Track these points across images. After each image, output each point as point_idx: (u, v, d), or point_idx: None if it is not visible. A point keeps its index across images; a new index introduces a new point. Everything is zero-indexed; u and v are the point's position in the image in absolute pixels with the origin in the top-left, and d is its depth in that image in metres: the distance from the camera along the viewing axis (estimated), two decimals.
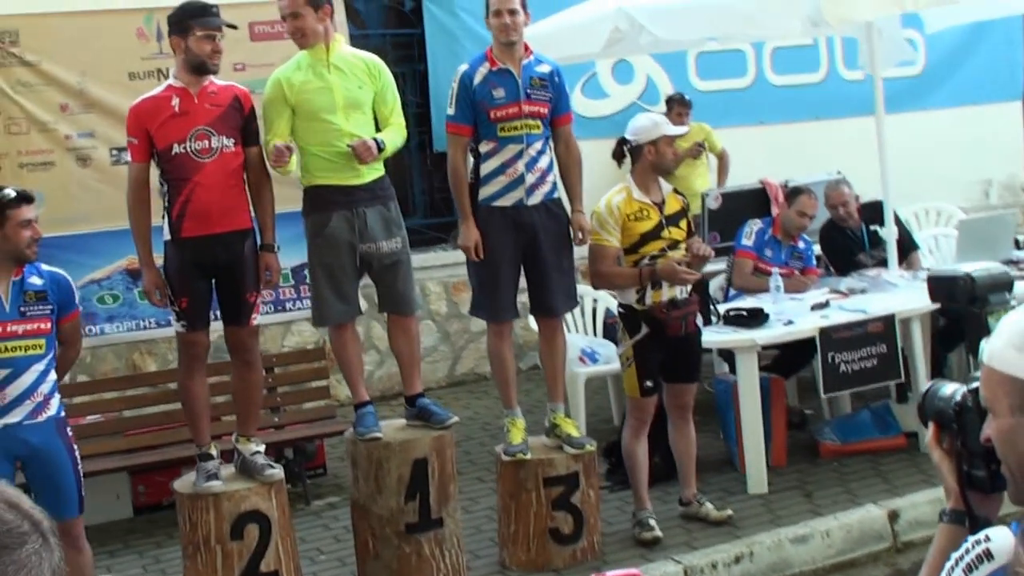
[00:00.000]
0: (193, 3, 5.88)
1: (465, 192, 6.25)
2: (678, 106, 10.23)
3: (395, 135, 6.22)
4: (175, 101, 5.79)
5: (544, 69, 6.32)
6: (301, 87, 6.06)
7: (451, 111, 6.28)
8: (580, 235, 6.33)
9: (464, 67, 6.32)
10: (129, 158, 5.93)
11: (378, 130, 6.17)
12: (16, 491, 1.61)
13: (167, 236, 5.88)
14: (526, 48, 6.31)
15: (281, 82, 6.11)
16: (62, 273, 5.68)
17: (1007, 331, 2.02)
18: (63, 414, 5.62)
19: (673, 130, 6.46)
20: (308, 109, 6.06)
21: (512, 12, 6.15)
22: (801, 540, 6.48)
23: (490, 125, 6.19)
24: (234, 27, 6.05)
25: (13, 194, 5.46)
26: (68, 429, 5.64)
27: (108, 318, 8.81)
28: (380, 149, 6.03)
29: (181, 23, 5.80)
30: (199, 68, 5.82)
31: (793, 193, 8.29)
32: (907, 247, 8.64)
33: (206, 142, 5.77)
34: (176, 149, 5.74)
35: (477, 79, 6.20)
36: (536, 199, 6.22)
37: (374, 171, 6.15)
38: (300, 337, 9.60)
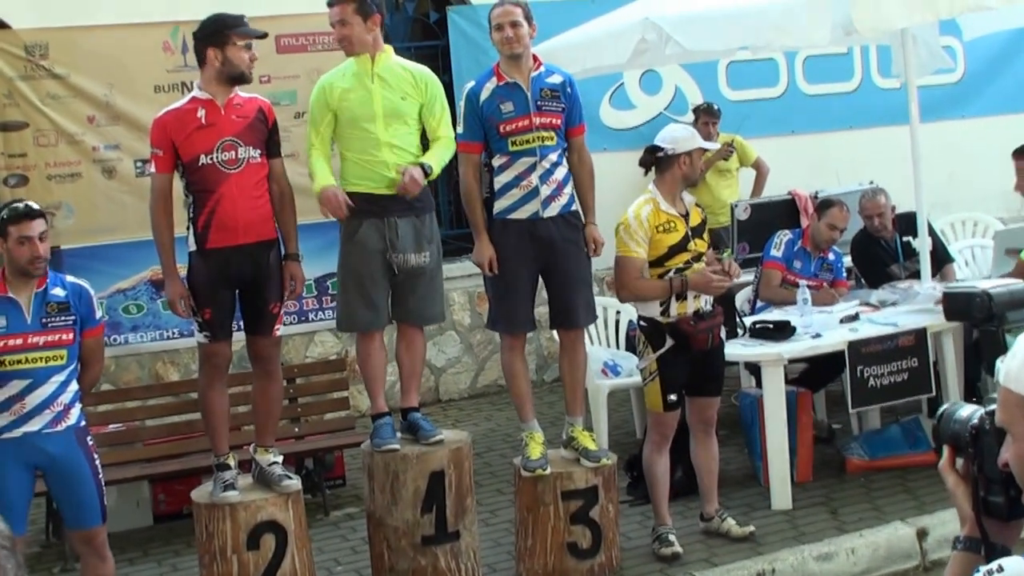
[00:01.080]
0: (227, 14, 5.95)
1: (477, 208, 6.30)
2: (705, 115, 10.23)
3: (443, 151, 6.30)
4: (201, 112, 5.85)
5: (555, 80, 6.34)
6: (343, 94, 6.17)
7: (459, 129, 6.33)
8: (594, 247, 6.36)
9: (471, 84, 6.38)
10: (153, 169, 5.99)
11: (424, 140, 6.26)
12: None
13: (192, 247, 5.94)
14: (536, 60, 6.34)
15: (325, 87, 6.25)
16: (84, 285, 5.75)
17: (1023, 350, 2.01)
18: (84, 423, 5.68)
19: (709, 144, 6.51)
20: (348, 116, 6.16)
21: (514, 25, 6.18)
22: (825, 558, 6.45)
23: (501, 139, 6.21)
24: (265, 35, 6.15)
25: (20, 208, 5.52)
26: (89, 438, 5.70)
27: (132, 328, 8.96)
28: (427, 173, 6.15)
29: (219, 33, 5.84)
30: (237, 78, 5.88)
31: (824, 205, 8.29)
32: (941, 259, 8.59)
33: (233, 153, 5.84)
34: (203, 160, 5.81)
35: (484, 95, 6.24)
36: (553, 211, 6.24)
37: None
38: (323, 348, 9.67)
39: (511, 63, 6.24)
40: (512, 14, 6.18)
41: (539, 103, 6.21)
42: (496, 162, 6.25)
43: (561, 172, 6.26)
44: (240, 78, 5.88)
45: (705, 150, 6.55)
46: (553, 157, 6.23)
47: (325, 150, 6.26)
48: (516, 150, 6.17)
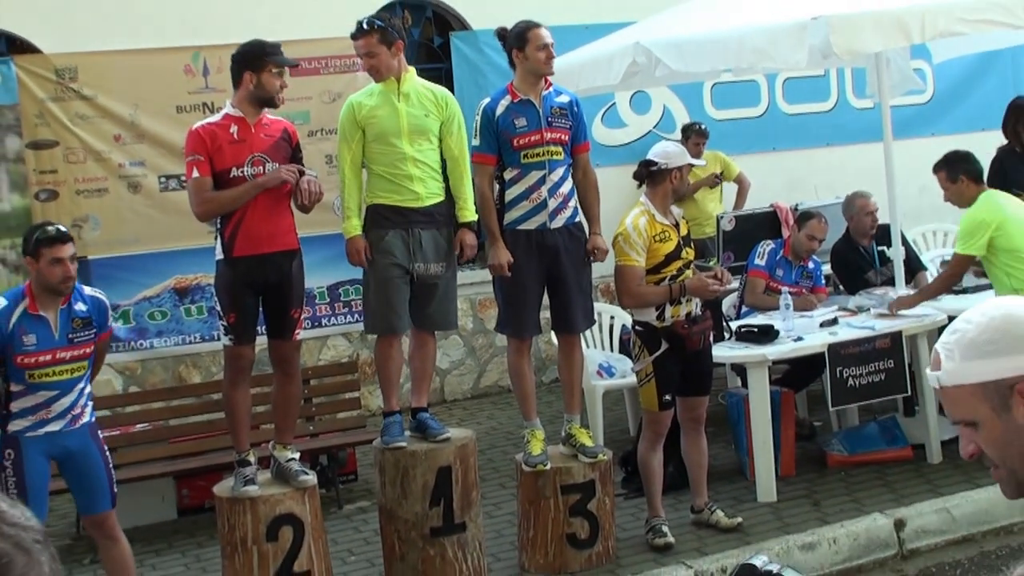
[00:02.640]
0: (265, 41, 5.98)
1: (493, 215, 6.30)
2: (696, 136, 10.23)
3: (468, 185, 6.35)
4: (233, 128, 5.87)
5: (563, 100, 6.38)
6: (370, 111, 6.21)
7: (476, 142, 6.33)
8: (597, 254, 6.36)
9: (486, 100, 6.39)
10: (196, 174, 5.90)
11: (442, 155, 6.31)
12: None
13: (219, 255, 5.94)
14: (546, 80, 6.37)
15: (353, 106, 6.29)
16: (101, 296, 5.76)
17: (956, 348, 2.05)
18: (94, 419, 5.76)
19: (697, 161, 6.52)
20: (376, 132, 6.19)
21: (552, 46, 6.27)
22: (809, 547, 6.45)
23: (514, 153, 6.23)
24: (297, 64, 6.16)
25: (51, 232, 5.52)
26: (99, 432, 5.80)
27: (157, 333, 8.95)
28: (475, 228, 6.32)
29: (257, 59, 5.85)
30: (267, 102, 5.90)
31: (803, 218, 8.29)
32: (914, 267, 8.60)
33: (261, 168, 5.85)
34: (234, 172, 5.82)
35: (499, 110, 6.26)
36: (558, 223, 6.25)
37: (433, 196, 6.26)
38: (335, 351, 9.65)
39: (527, 82, 6.28)
40: (551, 37, 6.26)
41: (549, 119, 6.25)
42: (507, 175, 6.26)
43: (567, 186, 6.28)
44: (270, 102, 5.92)
45: (692, 166, 6.55)
46: (560, 171, 6.26)
47: (356, 165, 6.29)
48: (528, 163, 6.20)
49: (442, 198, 6.31)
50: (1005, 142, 9.37)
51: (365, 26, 6.20)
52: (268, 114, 6.04)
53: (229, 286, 5.92)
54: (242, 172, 5.82)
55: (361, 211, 6.33)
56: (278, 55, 5.92)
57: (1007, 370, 2.00)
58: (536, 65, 6.28)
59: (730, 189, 10.66)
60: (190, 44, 8.68)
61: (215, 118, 5.99)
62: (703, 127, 10.36)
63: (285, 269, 5.96)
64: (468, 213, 6.32)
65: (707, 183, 10.14)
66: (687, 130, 10.33)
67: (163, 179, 8.77)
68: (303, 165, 6.14)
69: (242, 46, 5.98)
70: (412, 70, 6.38)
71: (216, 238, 5.95)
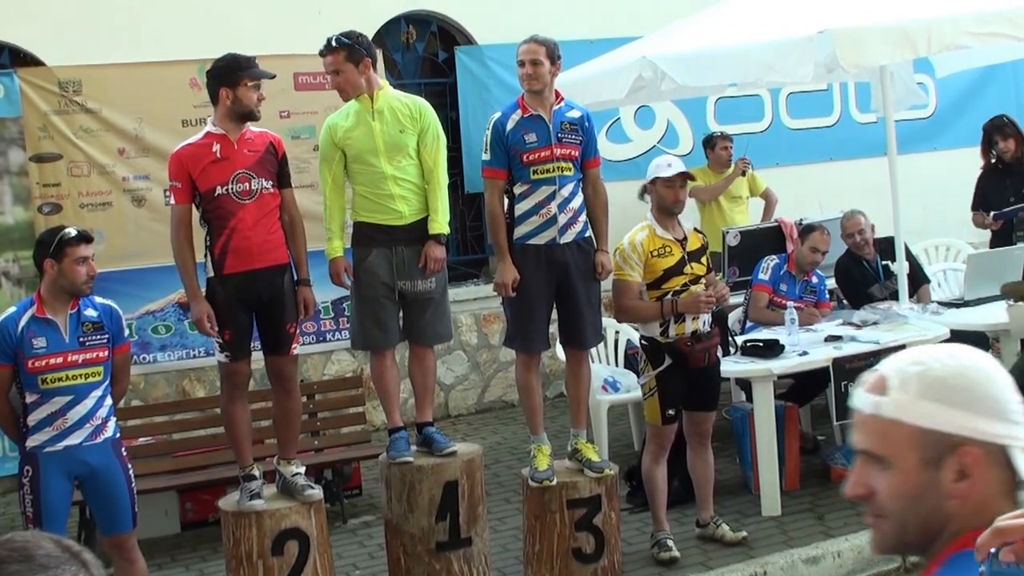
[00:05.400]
0: (238, 56, 5.98)
1: (502, 231, 6.30)
2: (720, 140, 10.19)
3: (444, 201, 6.31)
4: (216, 147, 5.87)
5: (574, 115, 6.36)
6: (346, 133, 6.20)
7: (486, 156, 6.33)
8: (600, 271, 6.36)
9: (497, 115, 6.38)
10: (173, 200, 6.01)
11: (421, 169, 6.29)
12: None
13: (210, 273, 5.96)
14: (558, 95, 6.37)
15: (330, 127, 6.30)
16: (113, 305, 5.78)
17: (915, 381, 1.87)
18: (118, 435, 5.73)
19: (664, 172, 6.39)
20: (353, 153, 6.20)
21: (534, 63, 6.21)
22: (813, 561, 6.47)
23: (523, 168, 6.23)
24: (273, 76, 6.15)
25: (74, 232, 5.56)
26: (123, 449, 5.75)
27: (161, 347, 8.96)
28: (443, 242, 6.27)
29: (231, 74, 5.87)
30: (246, 116, 5.90)
31: (805, 230, 8.33)
32: (918, 281, 8.63)
33: (246, 184, 5.86)
34: (219, 191, 5.83)
35: (510, 125, 6.25)
36: (568, 238, 6.25)
37: (417, 212, 6.25)
38: (339, 366, 9.67)
39: (534, 97, 6.27)
40: (534, 52, 6.22)
41: (560, 135, 6.23)
42: (517, 190, 6.26)
43: (577, 201, 6.28)
44: (249, 115, 5.92)
45: (666, 180, 6.32)
46: (570, 187, 6.26)
47: (339, 185, 6.30)
48: (537, 178, 6.20)
49: (427, 213, 6.31)
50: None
51: (333, 43, 6.20)
52: (252, 128, 6.05)
53: (222, 303, 5.93)
54: (227, 190, 5.83)
55: (346, 229, 6.35)
56: (252, 68, 5.92)
57: (957, 426, 1.83)
58: (521, 83, 6.31)
59: (756, 203, 10.59)
60: (195, 57, 8.67)
61: (196, 137, 6.00)
62: (722, 132, 10.36)
63: (277, 284, 5.97)
64: (438, 225, 6.25)
65: (738, 173, 10.06)
66: (709, 140, 10.30)
67: (167, 193, 8.75)
68: (290, 178, 6.17)
69: (215, 62, 5.99)
70: (386, 84, 6.37)
71: (206, 255, 5.96)
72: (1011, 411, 1.85)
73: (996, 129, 9.30)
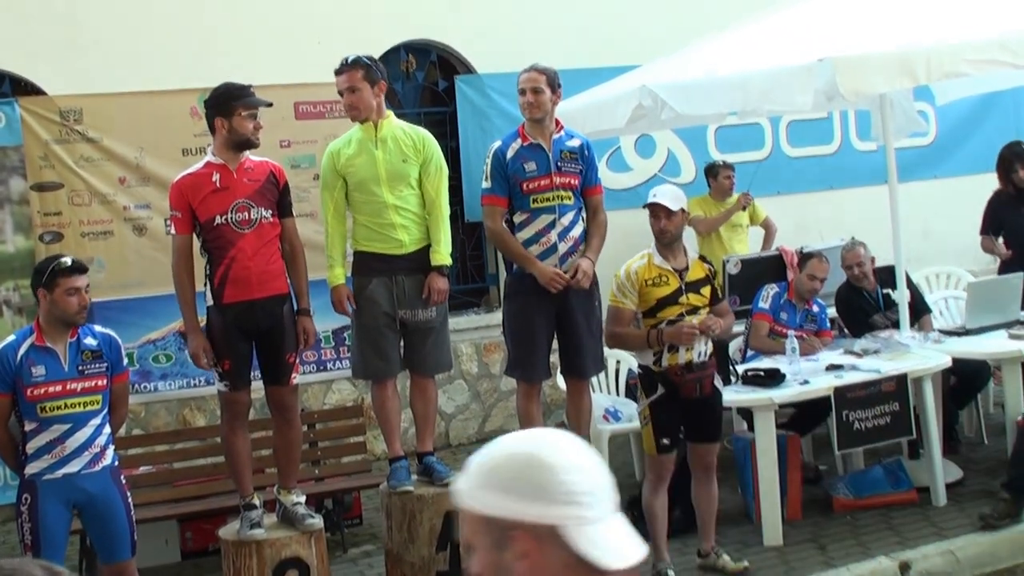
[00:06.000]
0: (233, 85, 6.01)
1: (512, 241, 6.32)
2: (723, 169, 10.26)
3: (446, 233, 6.34)
4: (215, 177, 5.90)
5: (574, 143, 6.40)
6: (349, 160, 6.23)
7: (487, 184, 6.36)
8: (577, 273, 6.30)
9: (497, 143, 6.42)
10: (173, 231, 6.05)
11: (423, 199, 6.31)
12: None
13: (210, 302, 5.98)
14: (557, 124, 6.39)
15: (332, 154, 6.33)
16: (112, 334, 5.81)
17: (476, 471, 2.02)
18: (117, 463, 5.76)
19: (651, 199, 6.37)
20: (355, 181, 6.23)
21: (535, 91, 6.25)
22: None
23: (523, 197, 6.26)
24: (270, 104, 6.17)
25: (67, 263, 5.59)
26: (122, 477, 5.77)
27: (161, 376, 8.98)
28: (446, 274, 6.29)
29: (225, 104, 5.92)
30: (243, 145, 5.94)
31: (804, 258, 8.38)
32: (919, 309, 8.64)
33: (246, 214, 5.88)
34: (218, 220, 5.86)
35: (510, 154, 6.29)
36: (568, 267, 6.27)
37: (418, 242, 6.27)
38: (340, 395, 9.68)
39: (534, 126, 6.30)
40: (535, 80, 6.26)
41: (559, 164, 6.27)
42: (517, 219, 6.29)
43: (578, 230, 6.31)
44: (246, 144, 5.95)
45: (655, 208, 6.28)
46: (571, 215, 6.29)
47: (340, 213, 6.33)
48: (537, 207, 6.23)
49: (427, 243, 6.33)
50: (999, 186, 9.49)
51: (351, 60, 6.23)
52: (253, 157, 6.08)
53: (221, 333, 5.95)
54: (226, 220, 5.86)
55: (346, 257, 6.37)
56: (247, 97, 5.95)
57: (507, 511, 1.95)
58: (522, 111, 6.34)
59: (756, 231, 10.63)
60: (195, 86, 8.72)
61: (197, 167, 6.04)
62: (725, 161, 10.41)
63: (276, 314, 5.99)
64: (440, 256, 6.29)
65: (739, 207, 10.16)
66: (712, 169, 10.35)
67: (168, 222, 8.78)
68: (291, 208, 6.20)
69: (212, 92, 6.03)
70: (390, 114, 6.40)
71: (206, 284, 5.99)
72: (562, 492, 1.94)
73: (1017, 157, 9.32)
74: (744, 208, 10.18)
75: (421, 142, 6.34)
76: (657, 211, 6.27)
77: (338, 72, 6.28)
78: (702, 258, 6.56)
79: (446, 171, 6.47)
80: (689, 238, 7.72)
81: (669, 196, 6.32)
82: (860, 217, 10.36)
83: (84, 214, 8.90)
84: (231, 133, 5.91)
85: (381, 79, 6.28)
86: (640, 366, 6.45)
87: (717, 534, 6.82)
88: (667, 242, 6.32)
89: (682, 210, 6.31)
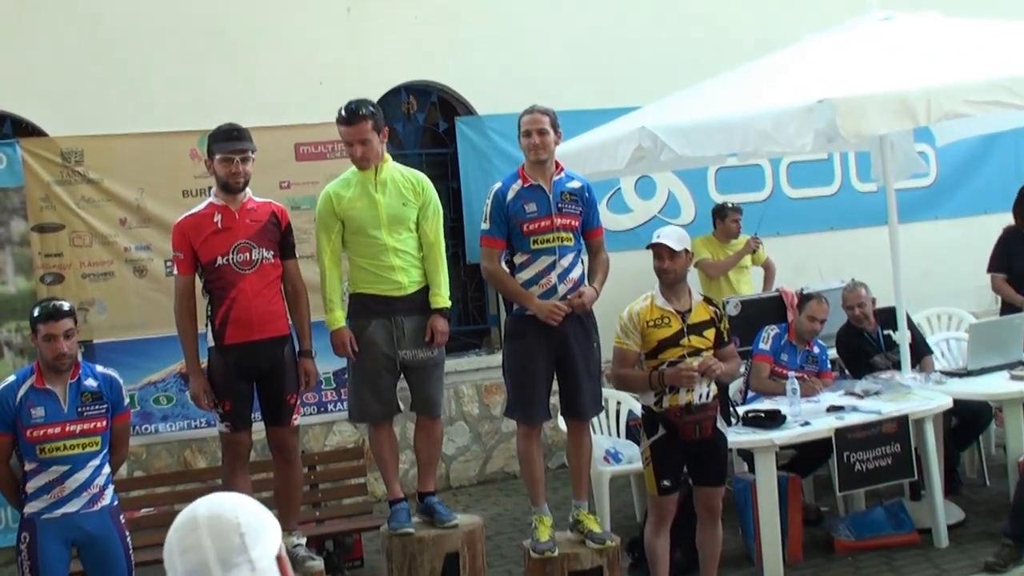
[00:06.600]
0: (219, 129, 6.11)
1: (509, 280, 6.33)
2: (732, 212, 10.34)
3: (444, 276, 6.40)
4: (217, 217, 5.97)
5: (575, 185, 6.43)
6: (349, 203, 6.25)
7: (486, 226, 6.39)
8: (581, 296, 6.30)
9: (497, 185, 6.45)
10: (175, 271, 6.11)
11: (419, 241, 6.35)
12: None
13: (211, 343, 6.03)
14: (558, 165, 6.43)
15: (331, 197, 6.33)
16: (114, 375, 5.85)
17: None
18: (116, 503, 5.79)
19: (655, 240, 6.37)
20: (355, 225, 6.25)
21: (541, 132, 6.28)
22: None
23: (523, 238, 6.29)
24: (244, 150, 6.05)
25: (49, 307, 5.62)
26: (121, 516, 5.82)
27: (162, 418, 9.01)
28: (448, 309, 6.34)
29: (209, 147, 6.08)
30: (224, 187, 6.04)
31: (803, 300, 8.44)
32: (919, 351, 8.66)
33: (247, 254, 5.95)
34: (220, 261, 5.92)
35: (510, 195, 6.32)
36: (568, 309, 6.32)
37: (416, 283, 6.31)
38: (341, 437, 9.70)
39: (535, 167, 6.33)
40: (540, 122, 6.29)
41: (560, 205, 6.30)
42: (517, 260, 6.32)
43: (578, 272, 6.34)
44: (225, 187, 6.03)
45: (659, 248, 6.30)
46: (571, 257, 6.31)
47: (336, 256, 6.36)
48: (537, 248, 6.26)
49: (425, 284, 6.38)
50: (1008, 223, 9.51)
51: (362, 111, 6.25)
52: (256, 197, 6.14)
53: (222, 374, 5.99)
54: (227, 260, 5.93)
55: (344, 300, 6.40)
56: (221, 142, 6.02)
57: (273, 545, 2.42)
58: (525, 152, 6.39)
59: (756, 272, 10.69)
60: (196, 128, 8.79)
61: (199, 208, 6.11)
62: (733, 204, 10.48)
63: (278, 355, 6.04)
64: (440, 299, 6.35)
65: (748, 250, 10.26)
66: (721, 210, 10.42)
67: (169, 263, 8.78)
68: (294, 249, 6.25)
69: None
70: (388, 157, 6.44)
71: (207, 325, 6.03)
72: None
73: None
74: (754, 251, 10.27)
75: (420, 185, 6.40)
76: (661, 252, 6.31)
77: (346, 123, 6.27)
78: (707, 300, 6.54)
79: (442, 213, 6.52)
80: (692, 280, 7.75)
81: (673, 237, 6.35)
82: (860, 258, 10.41)
83: (85, 255, 8.95)
84: (216, 175, 6.03)
85: (384, 126, 6.35)
86: (643, 407, 6.47)
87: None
88: (670, 283, 6.34)
89: (685, 251, 6.34)
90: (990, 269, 9.53)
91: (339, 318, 6.31)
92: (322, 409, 9.44)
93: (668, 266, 6.28)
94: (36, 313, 5.61)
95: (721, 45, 10.56)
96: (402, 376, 6.46)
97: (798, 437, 7.23)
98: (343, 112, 6.30)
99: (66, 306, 5.71)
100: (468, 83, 10.50)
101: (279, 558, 2.42)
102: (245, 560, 2.35)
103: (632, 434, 8.17)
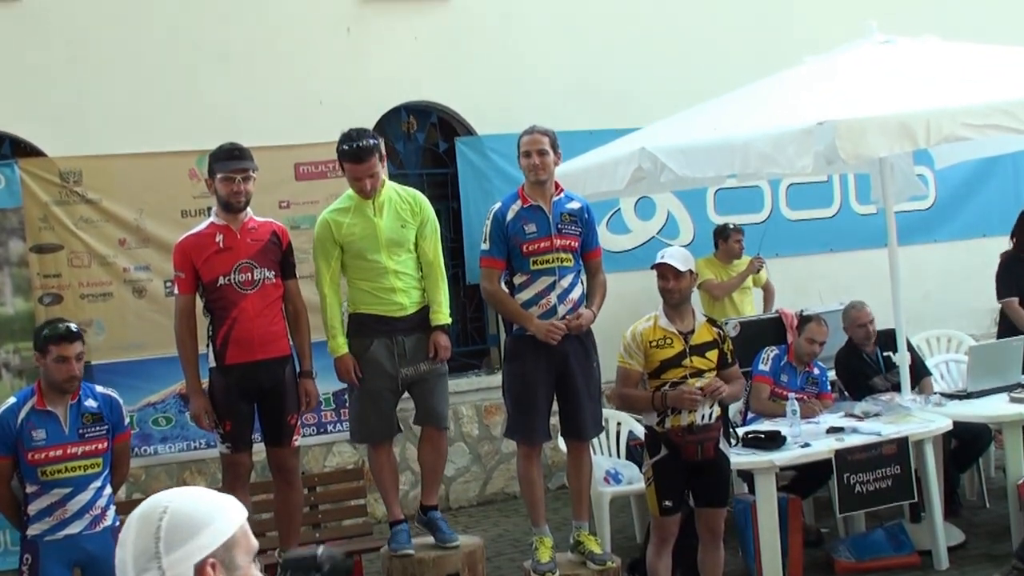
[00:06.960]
0: (220, 148, 6.14)
1: (508, 300, 6.37)
2: (734, 233, 10.41)
3: (444, 293, 6.44)
4: (219, 237, 6.00)
5: (574, 206, 6.46)
6: (348, 229, 6.28)
7: (485, 246, 6.42)
8: (578, 318, 6.35)
9: (497, 205, 6.48)
10: (176, 291, 6.13)
11: (418, 261, 6.37)
12: None
13: (212, 363, 6.05)
14: (557, 186, 6.46)
15: (329, 223, 6.34)
16: (114, 395, 5.86)
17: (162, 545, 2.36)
18: (118, 523, 5.76)
19: (659, 260, 6.37)
20: (354, 249, 6.28)
21: (541, 153, 6.31)
22: None
23: (523, 259, 6.32)
24: (246, 169, 6.12)
25: (61, 329, 5.63)
26: None
27: (162, 439, 9.01)
28: (448, 326, 6.38)
29: (210, 167, 6.12)
30: (225, 206, 6.08)
31: (803, 322, 8.47)
32: (919, 373, 8.68)
33: (249, 274, 5.97)
34: (221, 281, 5.95)
35: (510, 216, 6.35)
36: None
37: (416, 303, 6.34)
38: (340, 458, 9.71)
39: (535, 187, 6.36)
40: (540, 142, 6.32)
41: (559, 226, 6.33)
42: (516, 280, 6.35)
43: (577, 292, 6.37)
44: (226, 206, 6.07)
45: (663, 268, 6.30)
46: (570, 278, 6.35)
47: (336, 282, 6.39)
48: (537, 269, 6.29)
49: (425, 303, 6.41)
50: (1005, 249, 9.53)
51: (368, 146, 6.21)
52: (256, 217, 6.17)
53: (223, 394, 6.01)
54: (228, 280, 5.96)
55: (344, 322, 6.42)
56: (222, 161, 6.06)
57: (196, 553, 2.33)
58: (524, 173, 6.42)
59: (756, 293, 10.74)
60: (195, 148, 8.83)
61: (200, 227, 6.14)
62: (736, 225, 10.54)
63: (278, 376, 6.06)
64: (441, 316, 6.40)
65: (752, 271, 10.33)
66: (723, 231, 10.48)
67: (168, 284, 8.82)
68: (294, 269, 6.27)
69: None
70: (385, 178, 6.47)
71: (208, 346, 6.05)
72: None
73: None
74: (757, 271, 10.31)
75: (417, 205, 6.44)
76: (665, 272, 6.31)
77: (355, 160, 6.24)
78: (712, 321, 6.55)
79: (439, 230, 6.55)
80: (695, 301, 7.78)
81: (678, 257, 6.36)
82: (860, 280, 10.45)
83: (84, 276, 8.95)
84: (216, 194, 6.04)
85: (383, 154, 6.38)
86: (645, 426, 6.48)
87: None
88: (674, 303, 6.34)
89: (690, 271, 6.35)
90: (1001, 296, 9.43)
91: (341, 344, 6.33)
92: (322, 430, 9.45)
93: (673, 286, 6.29)
94: (47, 333, 5.61)
95: (721, 67, 10.61)
96: (404, 394, 6.47)
97: (798, 458, 7.25)
98: (349, 149, 6.25)
99: (75, 327, 5.74)
100: (468, 103, 10.54)
101: (202, 566, 2.35)
102: (155, 567, 2.33)
103: (632, 454, 8.18)
